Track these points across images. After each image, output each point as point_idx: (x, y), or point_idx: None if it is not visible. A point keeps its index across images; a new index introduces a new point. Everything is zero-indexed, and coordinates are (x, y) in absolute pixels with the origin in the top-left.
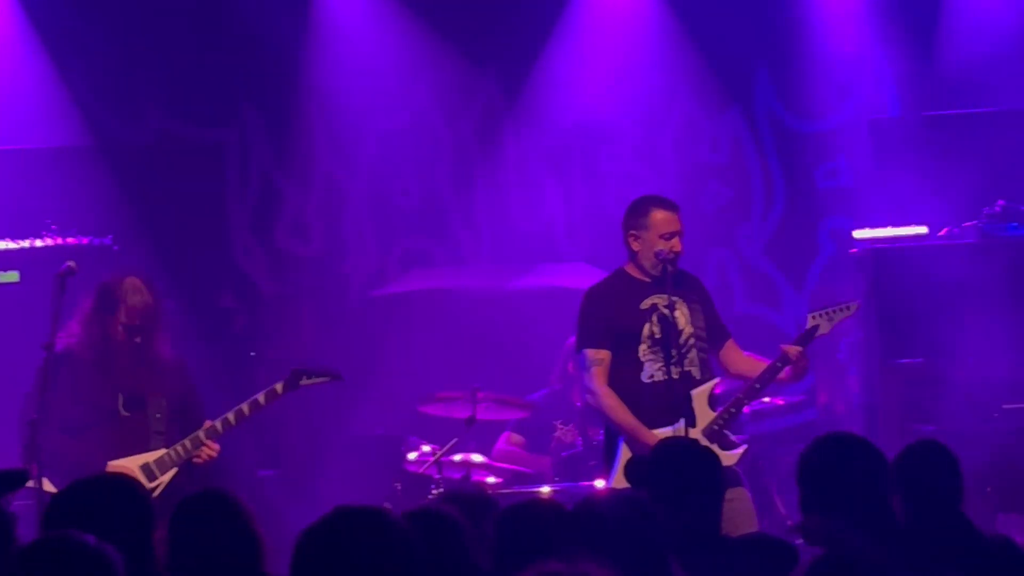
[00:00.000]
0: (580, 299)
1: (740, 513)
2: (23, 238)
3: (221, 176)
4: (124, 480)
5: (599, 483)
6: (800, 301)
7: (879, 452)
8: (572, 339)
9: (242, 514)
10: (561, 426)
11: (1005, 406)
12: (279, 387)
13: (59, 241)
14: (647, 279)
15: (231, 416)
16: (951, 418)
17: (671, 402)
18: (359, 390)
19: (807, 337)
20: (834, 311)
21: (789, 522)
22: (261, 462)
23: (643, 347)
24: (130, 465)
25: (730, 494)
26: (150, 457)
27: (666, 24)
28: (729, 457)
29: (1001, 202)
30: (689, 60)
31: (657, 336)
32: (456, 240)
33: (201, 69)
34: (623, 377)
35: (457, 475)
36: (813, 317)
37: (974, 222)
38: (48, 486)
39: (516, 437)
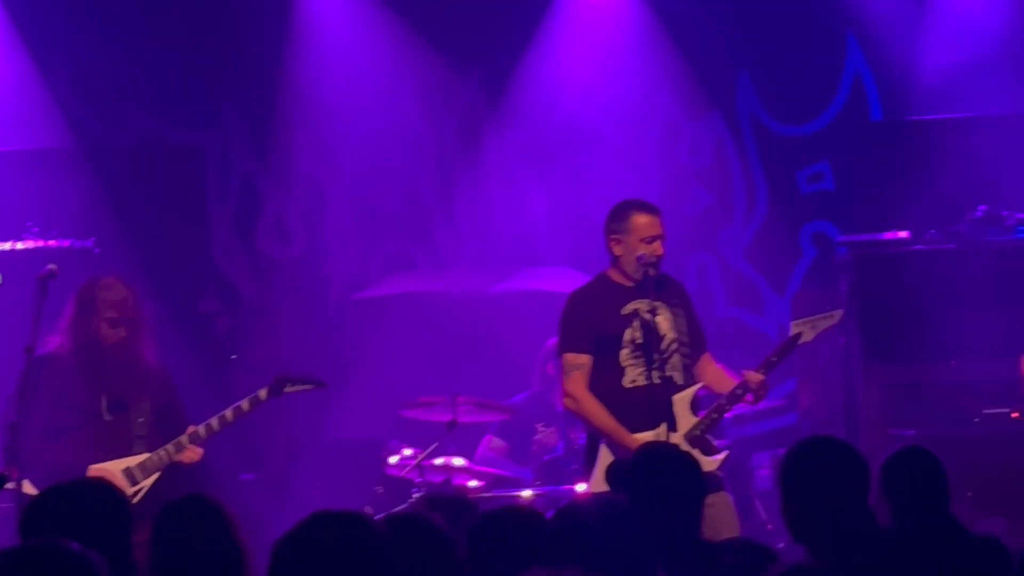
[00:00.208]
0: (562, 303)
1: (721, 518)
2: (4, 240)
3: (202, 178)
4: (102, 484)
5: (580, 487)
6: (782, 305)
7: (860, 456)
8: (552, 341)
9: (225, 519)
10: (542, 429)
11: (986, 411)
12: (263, 393)
13: (40, 243)
14: (629, 284)
15: (214, 422)
16: (933, 423)
17: (653, 407)
18: (340, 393)
19: (790, 345)
20: (817, 319)
21: (770, 526)
22: (243, 466)
23: (625, 352)
24: (112, 469)
25: (711, 499)
26: (132, 461)
27: (648, 27)
28: (710, 462)
29: (983, 207)
30: (671, 63)
31: (639, 341)
32: (438, 243)
33: (183, 71)
34: (605, 382)
35: (438, 479)
36: (796, 325)
37: (956, 227)
38: (29, 488)
39: (497, 442)
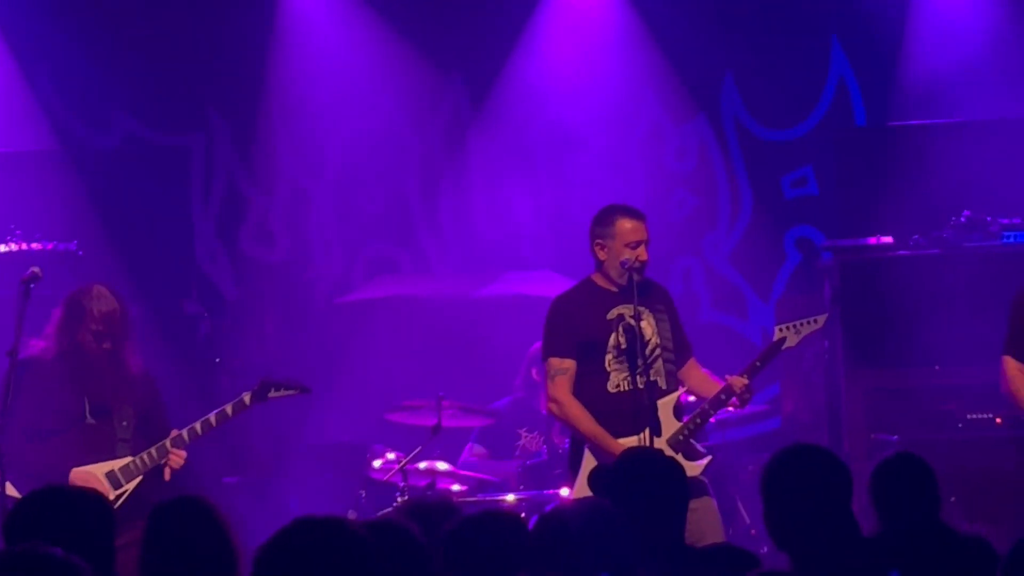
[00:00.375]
0: (546, 307)
1: (705, 523)
2: None
3: (186, 181)
4: (84, 489)
5: (564, 491)
6: (766, 310)
7: (842, 463)
8: (536, 346)
9: (218, 520)
10: (525, 434)
11: (970, 416)
12: (247, 398)
13: (23, 246)
14: (614, 289)
15: (198, 426)
16: (916, 428)
17: (636, 412)
18: (324, 397)
19: (774, 350)
20: (802, 324)
21: (753, 531)
22: (226, 469)
23: (609, 357)
24: (95, 472)
25: (695, 504)
26: (115, 465)
27: (633, 30)
28: (694, 467)
29: (967, 212)
30: (656, 66)
31: (623, 346)
32: (421, 247)
33: (166, 74)
34: (589, 386)
35: (422, 483)
36: (780, 330)
37: (940, 232)
38: (11, 491)
39: (479, 449)
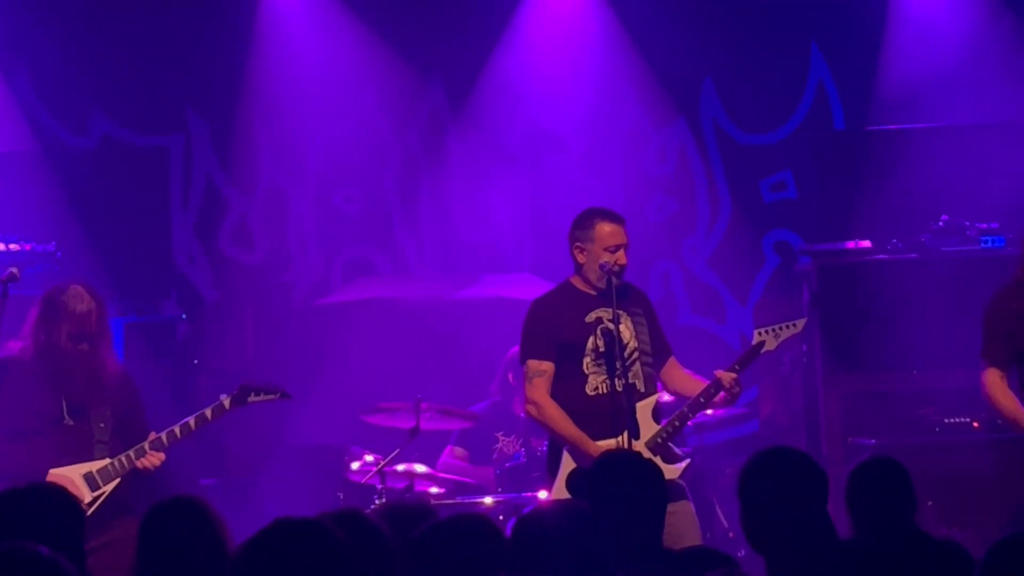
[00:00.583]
0: (525, 310)
1: (683, 526)
2: None
3: (165, 182)
4: (55, 489)
5: (542, 494)
6: (744, 314)
7: (818, 467)
8: (513, 350)
9: (212, 520)
10: (503, 437)
11: (947, 420)
12: (227, 402)
13: (1, 247)
14: (593, 292)
15: (177, 429)
16: (894, 432)
17: (615, 415)
18: (302, 399)
19: (753, 353)
20: (781, 328)
21: (731, 534)
22: (204, 471)
23: (587, 360)
24: (73, 473)
25: (673, 507)
26: (93, 466)
27: (613, 33)
28: (673, 470)
29: (945, 217)
30: (636, 70)
31: (601, 349)
32: (400, 249)
33: (146, 75)
34: (567, 389)
35: (400, 485)
36: (759, 333)
37: (918, 237)
38: None
39: (459, 451)
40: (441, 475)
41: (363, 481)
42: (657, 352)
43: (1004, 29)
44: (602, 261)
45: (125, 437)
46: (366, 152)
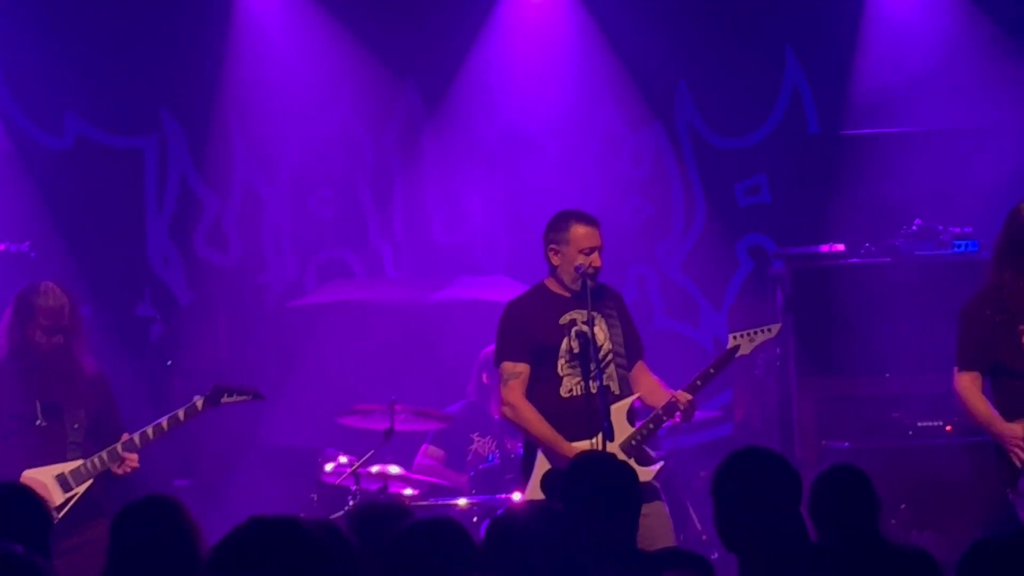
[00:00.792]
0: (499, 312)
1: (657, 528)
2: None
3: (139, 184)
4: (21, 489)
5: (516, 496)
6: (718, 317)
7: (792, 467)
8: (487, 350)
9: (185, 519)
10: (478, 438)
11: (920, 423)
12: (199, 403)
13: None
14: (567, 294)
15: (149, 430)
16: (867, 435)
17: (589, 416)
18: (276, 401)
19: (727, 357)
20: (756, 332)
21: (704, 537)
22: (176, 471)
23: (562, 362)
24: (45, 476)
25: (647, 509)
26: (66, 467)
27: (588, 36)
28: (647, 472)
29: (918, 221)
30: (611, 73)
31: (576, 351)
32: (375, 251)
33: (120, 75)
34: (541, 391)
35: (374, 487)
36: (734, 337)
37: (892, 241)
38: None
39: (435, 450)
40: (415, 476)
41: (337, 483)
42: (629, 355)
43: (978, 35)
44: (577, 263)
45: (99, 438)
46: (341, 154)
